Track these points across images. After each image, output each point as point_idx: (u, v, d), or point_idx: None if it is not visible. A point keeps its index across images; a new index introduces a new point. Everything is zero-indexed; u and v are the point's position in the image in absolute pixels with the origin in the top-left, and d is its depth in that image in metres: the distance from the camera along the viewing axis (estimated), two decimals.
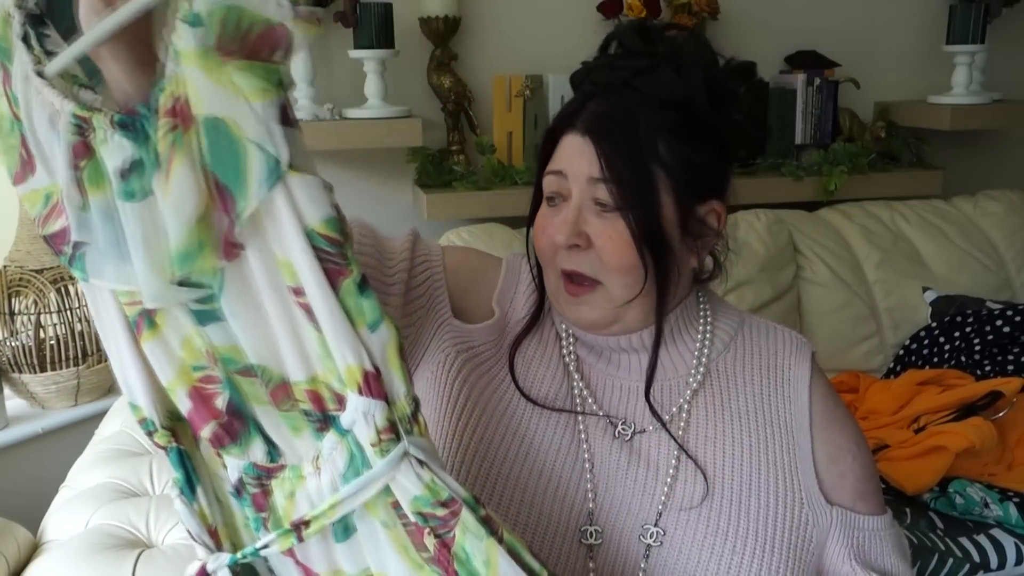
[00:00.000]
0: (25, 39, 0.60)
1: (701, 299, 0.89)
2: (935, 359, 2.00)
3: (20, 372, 1.71)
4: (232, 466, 0.65)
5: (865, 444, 0.86)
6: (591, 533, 0.77)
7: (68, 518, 1.21)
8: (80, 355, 1.73)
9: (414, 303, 0.82)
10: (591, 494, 0.79)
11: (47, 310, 1.70)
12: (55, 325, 1.72)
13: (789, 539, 0.78)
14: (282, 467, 0.63)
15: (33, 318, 1.70)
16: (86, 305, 1.73)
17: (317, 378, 0.59)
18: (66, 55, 0.61)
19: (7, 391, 1.72)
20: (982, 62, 2.33)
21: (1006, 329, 1.95)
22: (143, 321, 0.61)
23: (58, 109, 0.59)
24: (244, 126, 0.53)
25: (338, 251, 0.56)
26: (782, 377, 0.86)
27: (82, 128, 0.58)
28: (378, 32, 1.88)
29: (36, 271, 1.70)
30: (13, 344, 1.71)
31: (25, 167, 0.62)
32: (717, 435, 0.82)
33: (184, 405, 0.63)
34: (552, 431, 0.81)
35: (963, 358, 1.96)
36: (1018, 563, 1.49)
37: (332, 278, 0.56)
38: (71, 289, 1.72)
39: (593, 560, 0.77)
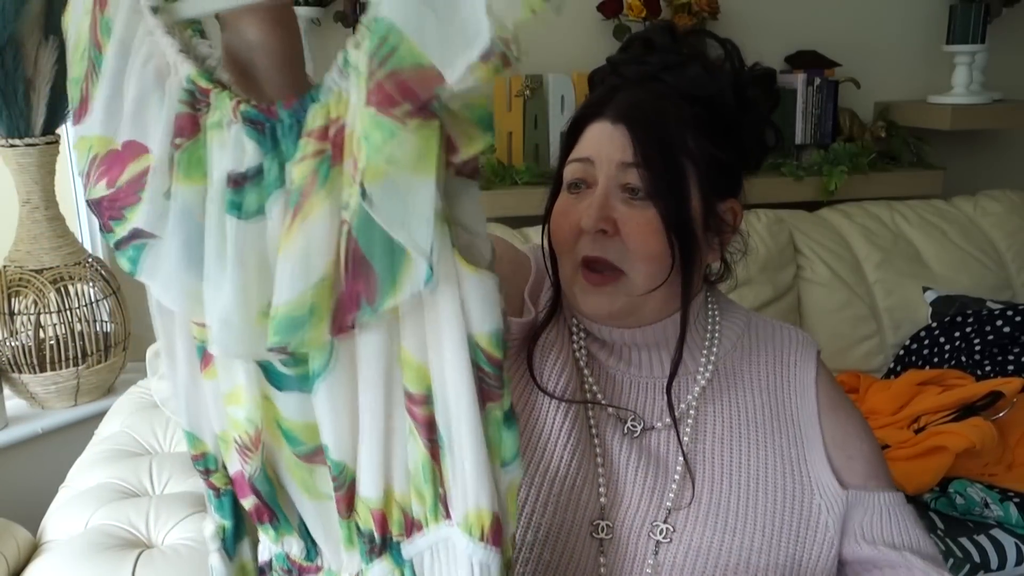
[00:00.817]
0: None
1: (709, 299, 0.89)
2: (935, 359, 1.99)
3: (20, 372, 1.71)
4: (265, 546, 0.59)
5: (870, 430, 0.87)
6: (602, 528, 0.78)
7: (68, 518, 1.21)
8: (80, 355, 1.73)
9: None
10: (603, 488, 0.79)
11: (47, 310, 1.70)
12: (55, 325, 1.71)
13: (799, 532, 0.79)
14: (318, 569, 0.56)
15: (33, 318, 1.70)
16: (86, 305, 1.73)
17: (392, 497, 0.50)
18: (198, 3, 0.50)
19: (7, 391, 1.72)
20: (982, 62, 2.33)
21: (1006, 329, 1.94)
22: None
23: (171, 64, 0.49)
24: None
25: (497, 373, 0.46)
26: (789, 372, 0.86)
27: (195, 99, 0.48)
28: None
29: (36, 271, 1.70)
30: (13, 344, 1.71)
31: (83, 106, 0.52)
32: (725, 432, 0.82)
33: (233, 463, 0.55)
34: (566, 426, 0.81)
35: (963, 358, 1.95)
36: (1018, 563, 1.49)
37: (481, 401, 0.46)
38: (71, 289, 1.72)
39: (604, 555, 0.77)
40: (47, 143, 1.68)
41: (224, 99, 0.46)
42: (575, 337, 0.87)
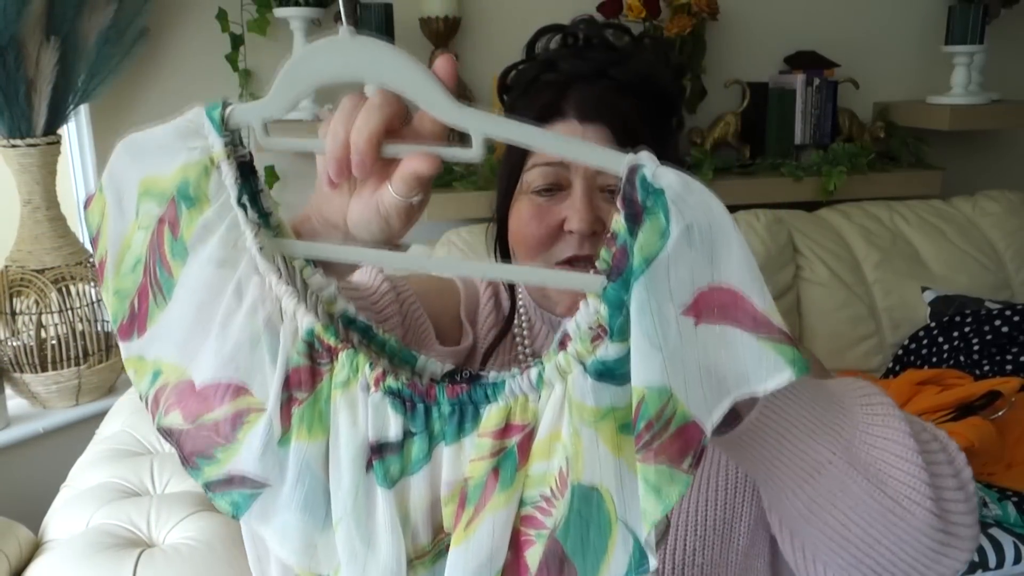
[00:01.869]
0: (240, 199, 0.50)
1: None
2: (934, 359, 2.00)
3: (21, 372, 1.71)
4: None
5: None
6: None
7: (69, 517, 1.21)
8: (81, 355, 1.73)
9: (407, 336, 0.80)
10: None
11: (48, 310, 1.70)
12: (56, 325, 1.72)
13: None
14: None
15: (34, 318, 1.70)
16: (87, 305, 1.74)
17: None
18: (312, 250, 0.50)
19: (8, 391, 1.72)
20: (981, 62, 2.34)
21: (1005, 329, 1.95)
22: None
23: (286, 312, 0.49)
24: (621, 508, 0.44)
25: None
26: None
27: (314, 352, 0.48)
28: (378, 32, 1.88)
29: (37, 271, 1.70)
30: (14, 344, 1.71)
31: (132, 322, 0.51)
32: None
33: None
34: None
35: (962, 358, 1.96)
36: (1016, 562, 1.49)
37: None
38: (72, 289, 1.73)
39: None
40: (48, 143, 1.68)
41: (360, 363, 0.48)
42: (521, 342, 0.86)
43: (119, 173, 0.52)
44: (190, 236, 0.49)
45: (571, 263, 0.79)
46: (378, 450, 0.48)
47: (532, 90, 0.82)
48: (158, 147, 0.51)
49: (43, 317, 1.71)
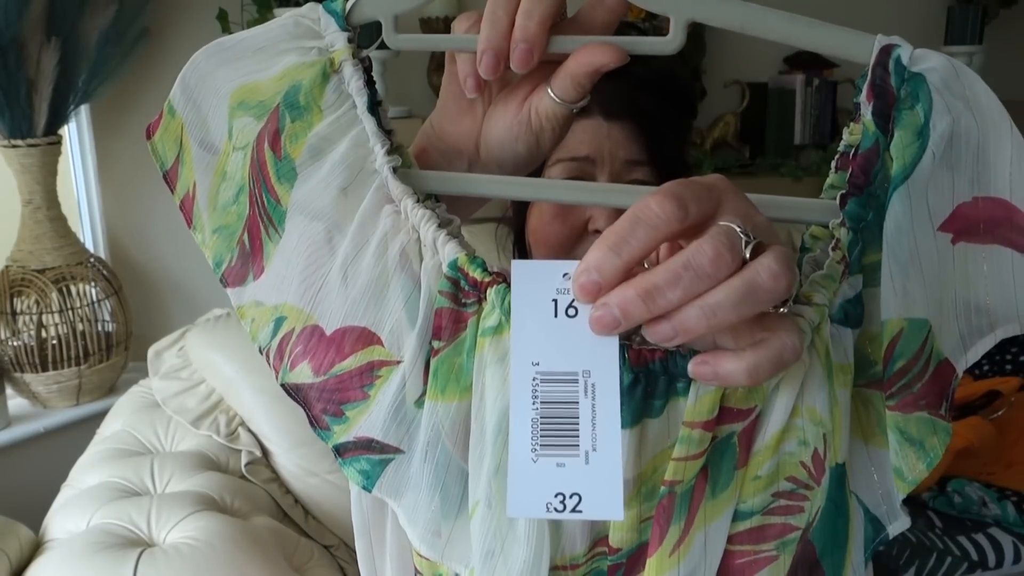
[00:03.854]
0: (369, 108, 0.41)
1: None
2: None
3: (22, 371, 1.71)
4: None
5: None
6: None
7: (70, 517, 1.21)
8: (82, 354, 1.73)
9: None
10: None
11: (49, 310, 1.71)
12: (57, 325, 1.72)
13: None
14: None
15: (35, 318, 1.71)
16: (88, 305, 1.74)
17: None
18: (445, 181, 0.41)
19: (9, 390, 1.73)
20: (980, 63, 2.34)
21: None
22: None
23: (427, 243, 0.39)
24: (852, 479, 0.37)
25: None
26: None
27: (459, 292, 0.38)
28: (377, 34, 1.88)
29: (38, 271, 1.70)
30: (15, 344, 1.72)
31: (245, 263, 0.42)
32: None
33: None
34: None
35: None
36: (1016, 561, 1.50)
37: None
38: (73, 289, 1.73)
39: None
40: (49, 143, 1.68)
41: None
42: None
43: (200, 86, 0.43)
44: (298, 155, 0.41)
45: None
46: None
47: None
48: (257, 49, 0.42)
49: (43, 317, 1.71)
